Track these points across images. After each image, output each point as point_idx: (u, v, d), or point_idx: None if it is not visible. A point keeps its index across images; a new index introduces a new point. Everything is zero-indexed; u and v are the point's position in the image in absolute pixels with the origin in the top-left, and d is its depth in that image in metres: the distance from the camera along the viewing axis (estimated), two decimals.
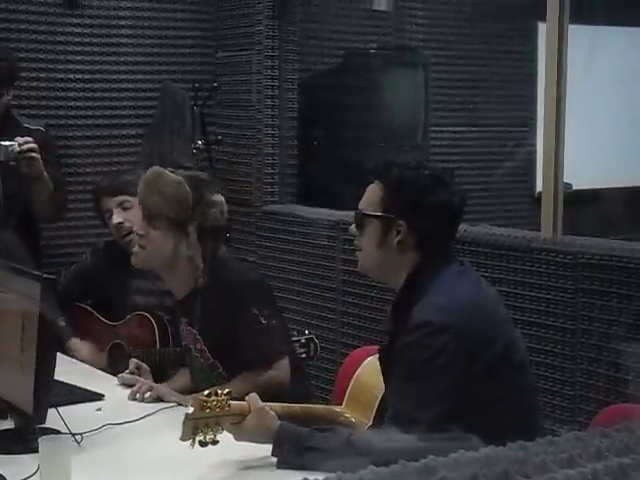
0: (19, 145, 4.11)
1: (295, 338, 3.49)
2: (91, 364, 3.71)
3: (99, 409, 2.90)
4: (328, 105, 5.45)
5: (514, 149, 6.45)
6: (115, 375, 3.40)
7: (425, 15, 6.14)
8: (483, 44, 6.29)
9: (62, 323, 3.81)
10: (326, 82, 5.57)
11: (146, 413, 2.80)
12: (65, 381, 2.99)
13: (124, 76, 5.36)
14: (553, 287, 3.70)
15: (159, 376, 3.36)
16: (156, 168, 3.15)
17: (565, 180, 4.04)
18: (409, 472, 1.15)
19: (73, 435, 2.50)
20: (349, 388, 2.86)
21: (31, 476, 2.27)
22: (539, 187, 4.49)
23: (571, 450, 1.20)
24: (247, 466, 2.44)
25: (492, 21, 6.27)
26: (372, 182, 2.59)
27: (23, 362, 2.52)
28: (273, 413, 2.44)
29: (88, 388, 3.05)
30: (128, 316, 3.88)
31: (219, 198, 3.08)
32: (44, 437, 2.28)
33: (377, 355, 2.78)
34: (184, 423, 2.28)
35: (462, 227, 4.06)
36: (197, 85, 5.33)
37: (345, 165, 5.37)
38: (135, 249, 3.12)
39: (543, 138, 4.06)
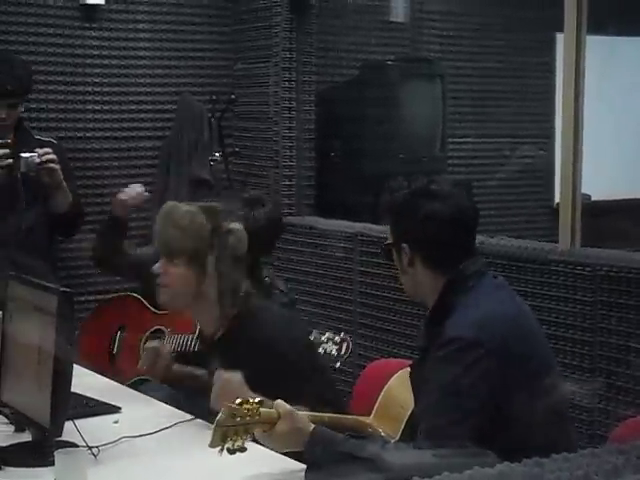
0: (39, 156, 4.15)
1: (330, 335, 3.45)
2: None
3: (116, 422, 2.89)
4: (345, 117, 5.45)
5: (532, 160, 6.43)
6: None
7: (442, 27, 6.14)
8: (501, 55, 6.28)
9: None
10: (343, 94, 5.57)
11: (163, 426, 2.79)
12: (82, 394, 2.99)
13: (142, 89, 5.38)
14: (571, 299, 3.68)
15: (195, 360, 3.41)
16: (169, 203, 3.05)
17: (583, 191, 4.02)
18: None
19: (90, 448, 2.50)
20: (378, 400, 2.84)
21: None
22: (557, 198, 4.48)
23: (587, 467, 1.19)
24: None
25: (510, 32, 6.26)
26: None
27: (40, 375, 2.52)
28: (304, 416, 2.41)
29: (105, 401, 3.05)
30: None
31: (236, 226, 2.99)
32: (61, 450, 2.28)
33: (404, 370, 2.76)
34: (214, 430, 2.28)
35: (480, 239, 4.07)
36: (214, 97, 5.34)
37: (363, 177, 5.37)
38: (159, 289, 3.02)
39: (561, 149, 4.05)
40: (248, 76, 5.51)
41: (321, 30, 5.51)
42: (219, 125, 5.27)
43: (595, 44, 4.40)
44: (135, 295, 4.30)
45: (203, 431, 2.76)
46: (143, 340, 4.06)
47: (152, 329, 4.12)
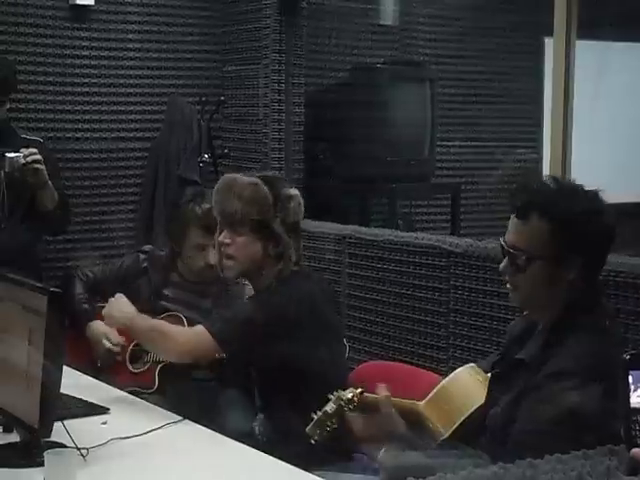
0: (24, 157, 4.13)
1: None
2: (105, 343, 3.77)
3: (104, 423, 2.88)
4: (335, 119, 5.46)
5: (521, 164, 6.44)
6: (134, 369, 3.75)
7: (432, 30, 6.15)
8: (490, 59, 6.30)
9: (85, 306, 3.89)
10: (333, 97, 5.58)
11: (152, 427, 2.78)
12: (71, 394, 2.98)
13: (131, 89, 5.38)
14: None
15: (186, 369, 3.40)
16: (227, 175, 3.16)
17: None
18: None
19: (79, 449, 2.49)
20: (434, 391, 2.79)
21: None
22: None
23: (580, 468, 1.19)
24: None
25: (499, 36, 6.28)
26: (512, 215, 2.43)
27: (29, 375, 2.51)
28: (401, 420, 2.43)
29: (94, 402, 3.04)
30: (159, 317, 3.91)
31: (295, 191, 3.09)
32: (50, 451, 2.27)
33: (469, 367, 2.69)
34: (319, 419, 2.30)
35: (468, 242, 4.07)
36: (204, 99, 5.34)
37: (351, 179, 5.38)
38: (224, 261, 3.09)
39: (550, 153, 4.06)
40: (238, 78, 5.51)
41: (311, 32, 5.52)
42: (208, 127, 5.27)
43: (589, 49, 4.42)
44: None
45: (192, 432, 2.77)
46: (129, 351, 3.94)
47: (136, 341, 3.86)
